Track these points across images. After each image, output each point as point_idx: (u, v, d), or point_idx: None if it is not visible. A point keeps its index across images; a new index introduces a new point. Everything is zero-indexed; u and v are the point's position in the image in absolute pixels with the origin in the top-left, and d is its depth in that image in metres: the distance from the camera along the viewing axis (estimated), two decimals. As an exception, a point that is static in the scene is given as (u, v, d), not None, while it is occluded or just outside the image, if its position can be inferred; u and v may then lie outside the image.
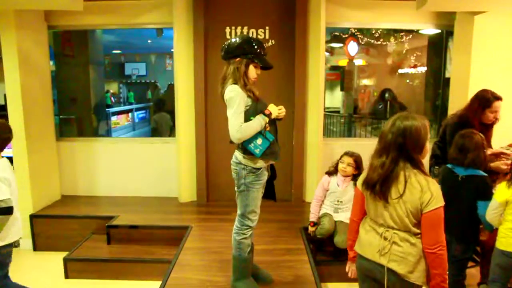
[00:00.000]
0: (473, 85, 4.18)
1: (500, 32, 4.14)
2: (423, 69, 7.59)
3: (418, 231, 1.77)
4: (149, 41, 8.49)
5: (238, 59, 2.37)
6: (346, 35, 8.82)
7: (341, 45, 9.33)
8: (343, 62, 9.55)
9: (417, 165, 1.76)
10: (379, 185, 1.78)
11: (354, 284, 3.13)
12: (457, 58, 4.47)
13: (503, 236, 2.37)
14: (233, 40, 2.42)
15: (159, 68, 11.06)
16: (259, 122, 2.34)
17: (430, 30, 5.08)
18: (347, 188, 3.30)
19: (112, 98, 9.78)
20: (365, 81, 10.42)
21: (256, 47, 2.39)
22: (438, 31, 5.00)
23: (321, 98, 4.41)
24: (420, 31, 5.66)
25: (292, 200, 4.48)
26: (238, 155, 2.46)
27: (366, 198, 1.93)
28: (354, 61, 9.32)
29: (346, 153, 3.32)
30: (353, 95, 9.09)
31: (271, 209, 3.80)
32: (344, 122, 8.06)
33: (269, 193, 2.65)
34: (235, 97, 2.30)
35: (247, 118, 2.34)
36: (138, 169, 4.77)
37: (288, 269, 3.01)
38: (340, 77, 9.33)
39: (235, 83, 2.35)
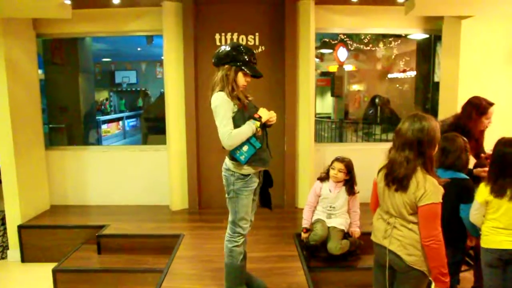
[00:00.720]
0: (462, 89, 4.24)
1: (487, 36, 4.20)
2: (413, 73, 7.66)
3: (415, 220, 1.94)
4: (139, 49, 8.46)
5: (227, 66, 2.36)
6: (336, 41, 8.88)
7: (330, 51, 9.39)
8: (333, 68, 9.61)
9: (426, 162, 1.92)
10: (406, 179, 1.91)
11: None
12: (445, 62, 4.52)
13: (486, 235, 2.39)
14: (224, 47, 2.42)
15: (150, 76, 11.02)
16: (249, 127, 2.32)
17: (419, 35, 5.15)
18: (339, 194, 3.28)
19: (108, 106, 9.76)
20: (355, 86, 10.50)
21: (245, 55, 2.38)
22: (427, 36, 5.06)
23: (312, 104, 4.42)
24: (408, 36, 5.73)
25: (285, 206, 4.46)
26: (227, 161, 2.45)
27: (379, 189, 2.09)
28: (344, 66, 9.38)
29: (337, 159, 3.30)
30: (343, 101, 9.14)
31: (264, 216, 3.75)
32: (335, 128, 8.08)
33: (265, 201, 2.62)
34: (220, 105, 2.30)
35: (234, 125, 2.32)
36: (129, 177, 4.72)
37: (281, 276, 2.98)
38: (330, 82, 9.39)
39: (221, 90, 2.34)
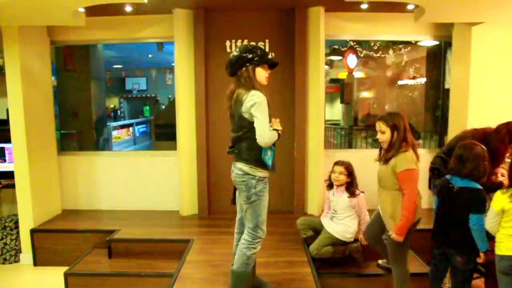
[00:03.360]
0: (473, 96, 4.22)
1: (498, 42, 4.18)
2: (422, 80, 7.64)
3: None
4: (149, 56, 8.58)
5: (244, 68, 2.40)
6: (345, 48, 8.90)
7: (340, 58, 9.41)
8: (342, 74, 9.62)
9: None
10: None
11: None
12: (456, 69, 4.50)
13: (500, 241, 2.38)
14: (233, 53, 2.46)
15: (160, 83, 11.16)
16: (276, 136, 2.41)
17: (428, 41, 5.13)
18: (340, 198, 3.34)
19: (118, 112, 9.89)
20: (365, 94, 10.48)
21: (257, 50, 2.44)
22: (436, 42, 5.05)
23: (322, 110, 4.44)
24: (418, 43, 5.72)
25: (294, 212, 4.45)
26: (243, 166, 2.44)
27: None
28: (354, 73, 9.38)
29: (337, 163, 3.40)
30: (353, 107, 9.13)
31: (274, 222, 3.77)
32: (344, 134, 8.06)
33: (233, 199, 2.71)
34: (262, 101, 2.33)
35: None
36: (139, 182, 4.76)
37: (291, 281, 2.97)
38: (340, 89, 9.38)
39: (254, 89, 2.37)
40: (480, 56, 4.20)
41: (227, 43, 4.42)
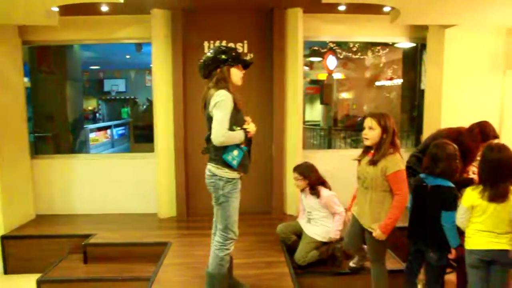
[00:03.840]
0: (446, 96, 4.32)
1: (470, 44, 4.31)
2: (400, 81, 7.79)
3: None
4: (127, 57, 8.45)
5: (218, 70, 2.40)
6: (325, 50, 9.00)
7: (320, 59, 9.50)
8: (322, 76, 9.72)
9: None
10: None
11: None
12: (430, 70, 4.61)
13: (469, 237, 2.44)
14: (206, 55, 2.46)
15: (139, 84, 11.03)
16: (241, 136, 2.37)
17: (405, 43, 5.24)
18: (311, 200, 3.35)
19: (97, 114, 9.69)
20: (344, 94, 10.63)
21: (230, 51, 2.45)
22: (413, 44, 5.15)
23: (300, 111, 4.46)
24: (395, 45, 5.83)
25: (273, 212, 4.46)
26: (211, 167, 2.44)
27: None
28: (333, 75, 9.49)
29: (293, 170, 3.41)
30: (332, 108, 9.23)
31: (252, 222, 3.78)
32: (324, 135, 8.14)
33: None
34: (225, 100, 2.31)
35: (230, 127, 2.34)
36: (117, 185, 4.68)
37: (269, 282, 2.97)
38: (319, 90, 9.49)
39: (224, 89, 2.36)
40: (453, 58, 4.31)
41: (206, 44, 4.39)
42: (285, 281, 2.98)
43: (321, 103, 9.07)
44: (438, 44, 4.39)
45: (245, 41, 4.41)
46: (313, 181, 3.32)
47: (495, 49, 4.43)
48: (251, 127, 2.44)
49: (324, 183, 3.37)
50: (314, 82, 10.59)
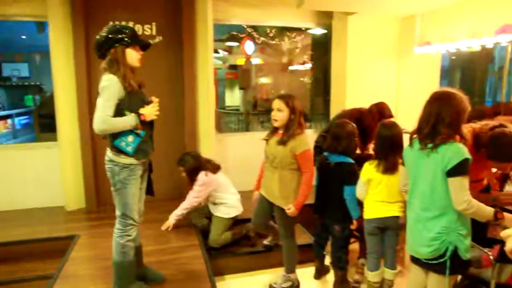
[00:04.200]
0: (350, 79, 4.61)
1: (370, 31, 4.63)
2: (310, 65, 8.14)
3: None
4: (23, 37, 7.63)
5: (112, 50, 2.25)
6: (243, 35, 9.05)
7: (238, 44, 9.54)
8: (240, 61, 9.78)
9: None
10: None
11: (249, 273, 3.27)
12: (335, 55, 4.88)
13: (367, 207, 2.68)
14: (100, 34, 2.29)
15: (45, 69, 10.08)
16: (129, 122, 2.23)
17: (318, 29, 5.45)
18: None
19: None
20: (263, 79, 10.83)
21: (125, 30, 2.29)
22: (325, 31, 5.39)
23: (212, 94, 4.45)
24: (309, 31, 6.04)
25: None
26: (108, 153, 2.34)
27: None
28: (251, 60, 9.60)
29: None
30: (252, 93, 9.37)
31: (165, 209, 3.73)
32: (243, 119, 8.26)
33: (147, 188, 2.59)
34: (108, 86, 2.18)
35: (120, 112, 2.22)
36: (18, 179, 4.28)
37: (181, 266, 2.97)
38: (238, 76, 9.56)
39: (113, 74, 2.23)
40: (355, 43, 4.60)
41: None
42: (198, 264, 3.00)
43: (240, 88, 9.15)
44: (342, 30, 4.66)
45: (154, 23, 4.25)
46: (188, 169, 3.43)
47: (392, 35, 4.83)
48: (146, 110, 2.31)
49: (198, 170, 3.44)
50: (233, 67, 10.61)
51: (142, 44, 2.36)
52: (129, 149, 2.26)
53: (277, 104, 2.65)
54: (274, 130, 2.74)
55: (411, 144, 2.07)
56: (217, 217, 3.45)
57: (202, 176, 3.41)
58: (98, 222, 3.94)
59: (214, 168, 3.51)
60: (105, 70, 2.26)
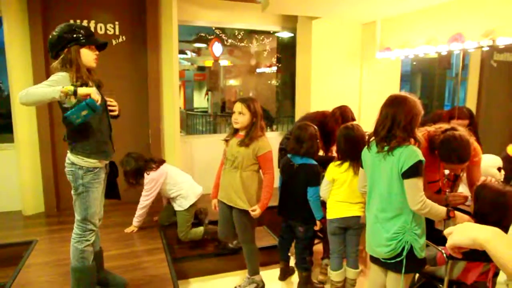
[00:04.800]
0: (314, 82, 4.70)
1: (334, 36, 4.74)
2: (275, 68, 8.23)
3: None
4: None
5: (66, 50, 2.17)
6: (212, 36, 9.01)
7: (206, 45, 9.49)
8: (208, 62, 9.74)
9: None
10: None
11: (214, 276, 3.26)
12: (300, 58, 4.96)
13: (330, 208, 2.74)
14: (53, 33, 2.20)
15: (3, 67, 9.62)
16: (51, 92, 1.97)
17: (285, 33, 5.51)
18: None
19: None
20: (232, 81, 10.82)
21: (79, 29, 2.22)
22: (292, 34, 5.46)
23: (177, 96, 4.40)
24: (277, 34, 6.11)
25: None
26: (70, 156, 2.26)
27: None
28: (220, 61, 9.58)
29: None
30: (219, 95, 9.35)
31: (131, 212, 3.65)
32: (211, 121, 8.23)
33: (112, 192, 2.53)
34: (55, 76, 2.07)
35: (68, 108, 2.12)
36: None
37: (144, 270, 2.92)
38: (206, 77, 9.51)
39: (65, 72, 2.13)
40: (320, 47, 4.70)
41: (71, 23, 4.01)
42: (161, 267, 2.96)
43: (208, 89, 9.11)
44: (306, 34, 4.74)
45: (117, 23, 4.16)
46: (129, 172, 3.39)
47: (355, 40, 4.96)
48: (87, 90, 2.05)
49: (142, 171, 3.42)
50: (202, 68, 10.55)
51: (98, 44, 2.29)
52: (78, 121, 2.07)
53: (239, 107, 2.67)
54: (235, 131, 2.76)
55: (368, 147, 2.14)
56: (178, 212, 3.44)
57: (147, 176, 3.39)
58: (57, 227, 3.80)
59: (159, 163, 3.49)
60: (55, 70, 2.17)
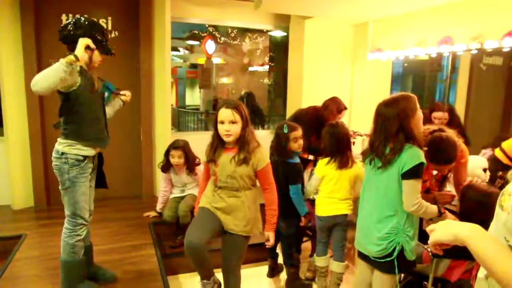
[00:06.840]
0: (306, 80, 4.74)
1: (326, 35, 4.78)
2: (267, 67, 8.26)
3: None
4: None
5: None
6: (205, 34, 9.00)
7: (199, 43, 9.47)
8: (201, 60, 9.72)
9: None
10: None
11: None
12: (292, 56, 5.00)
13: (318, 204, 2.77)
14: (73, 22, 2.23)
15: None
16: (59, 65, 2.00)
17: (278, 31, 5.54)
18: (184, 175, 3.47)
19: None
20: (224, 79, 10.81)
21: (105, 36, 2.34)
22: (285, 33, 5.49)
23: (168, 92, 4.40)
24: (270, 32, 6.13)
25: (143, 196, 4.37)
26: (58, 146, 2.28)
27: None
28: (212, 59, 9.55)
29: (174, 148, 3.37)
30: (211, 93, 9.34)
31: (120, 207, 3.67)
32: (203, 118, 8.24)
33: (100, 181, 2.55)
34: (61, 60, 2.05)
35: (73, 102, 2.21)
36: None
37: (133, 265, 2.94)
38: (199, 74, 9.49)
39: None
40: (312, 46, 4.73)
41: (64, 17, 4.01)
42: (151, 262, 2.98)
43: (200, 87, 9.09)
44: (299, 34, 4.78)
45: (109, 18, 4.16)
46: (190, 159, 3.40)
47: (347, 41, 5.01)
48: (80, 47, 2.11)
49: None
50: (194, 66, 10.53)
51: (111, 54, 2.37)
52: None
53: (230, 115, 2.07)
54: (222, 145, 2.17)
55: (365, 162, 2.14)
56: (191, 194, 3.43)
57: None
58: (47, 221, 3.79)
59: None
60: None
